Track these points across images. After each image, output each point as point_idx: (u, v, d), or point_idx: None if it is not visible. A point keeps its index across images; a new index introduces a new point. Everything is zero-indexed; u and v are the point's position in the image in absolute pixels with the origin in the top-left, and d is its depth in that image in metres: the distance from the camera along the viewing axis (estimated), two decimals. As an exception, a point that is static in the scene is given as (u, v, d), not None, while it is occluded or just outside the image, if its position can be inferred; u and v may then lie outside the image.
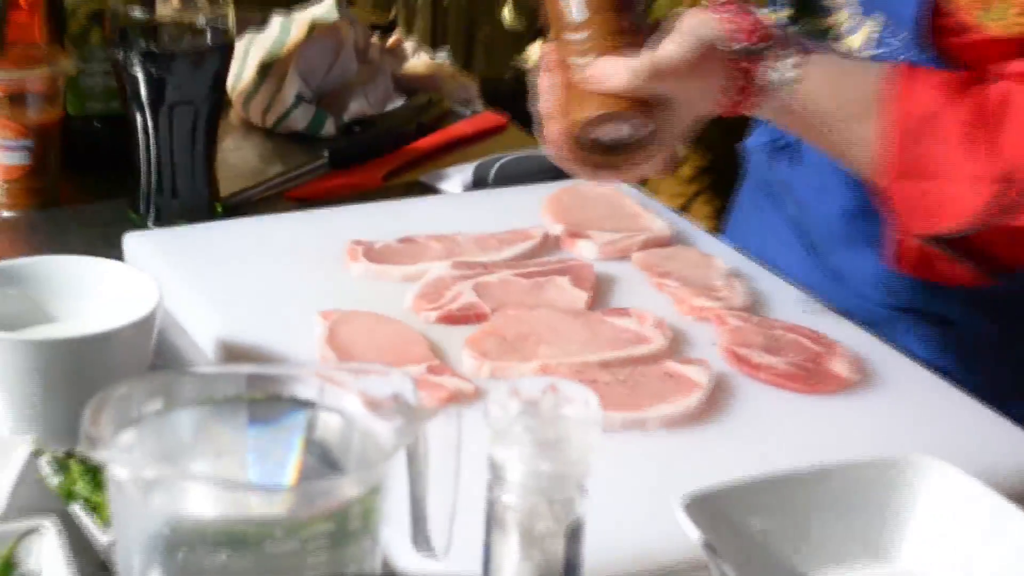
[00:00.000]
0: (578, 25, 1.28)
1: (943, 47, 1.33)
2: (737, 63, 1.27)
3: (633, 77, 1.24)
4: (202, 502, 0.85)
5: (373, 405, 0.91)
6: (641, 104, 1.26)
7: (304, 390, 0.93)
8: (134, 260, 1.46)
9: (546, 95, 1.30)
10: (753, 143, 1.61)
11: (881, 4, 1.39)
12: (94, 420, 0.85)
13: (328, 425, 0.92)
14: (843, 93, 1.30)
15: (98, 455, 0.83)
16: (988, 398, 1.34)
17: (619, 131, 1.29)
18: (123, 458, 0.84)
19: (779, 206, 1.59)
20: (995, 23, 1.29)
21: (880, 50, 1.41)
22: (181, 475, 0.86)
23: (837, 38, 1.44)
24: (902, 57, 1.37)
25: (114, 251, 1.48)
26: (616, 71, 1.25)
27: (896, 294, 1.47)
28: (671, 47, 1.26)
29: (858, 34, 1.43)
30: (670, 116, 1.28)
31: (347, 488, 0.86)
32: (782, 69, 1.28)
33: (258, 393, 0.93)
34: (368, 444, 0.91)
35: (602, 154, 1.30)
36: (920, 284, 1.45)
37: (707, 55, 1.27)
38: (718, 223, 3.68)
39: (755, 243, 1.60)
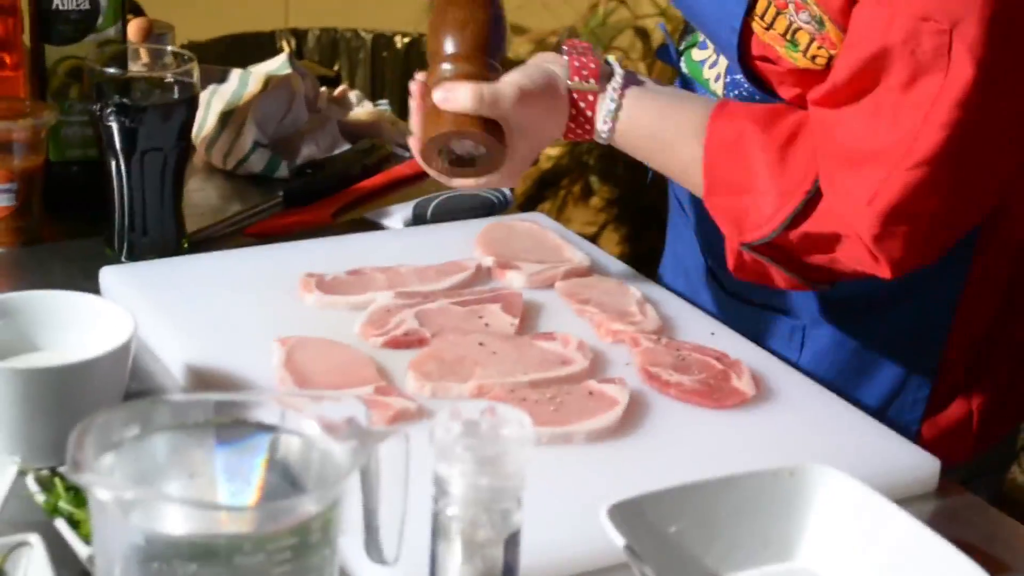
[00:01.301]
0: (447, 57, 1.33)
1: (766, 78, 1.34)
2: (583, 96, 1.33)
3: (476, 101, 1.29)
4: (176, 519, 0.83)
5: (330, 428, 0.89)
6: (483, 126, 1.30)
7: (267, 415, 0.91)
8: (110, 292, 1.43)
9: (413, 114, 1.36)
10: None
11: (713, 41, 1.40)
12: (78, 446, 0.83)
13: (289, 447, 0.91)
14: (668, 121, 1.34)
15: (82, 479, 0.81)
16: (842, 394, 1.35)
17: (464, 147, 1.33)
18: (105, 481, 0.82)
19: (684, 211, 1.60)
20: (798, 56, 1.29)
21: (732, 76, 1.41)
22: (158, 496, 0.84)
23: (713, 65, 1.46)
24: (747, 84, 1.38)
25: (91, 284, 1.45)
26: (462, 95, 1.29)
27: (746, 288, 1.45)
28: (515, 77, 1.32)
29: (719, 65, 1.44)
30: (514, 138, 1.32)
31: (308, 505, 0.84)
32: (608, 100, 1.33)
33: (225, 418, 0.91)
34: (326, 463, 0.89)
35: (456, 165, 1.35)
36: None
37: (551, 88, 1.33)
38: (626, 248, 3.70)
39: (671, 247, 1.62)
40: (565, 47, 1.36)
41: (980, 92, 1.17)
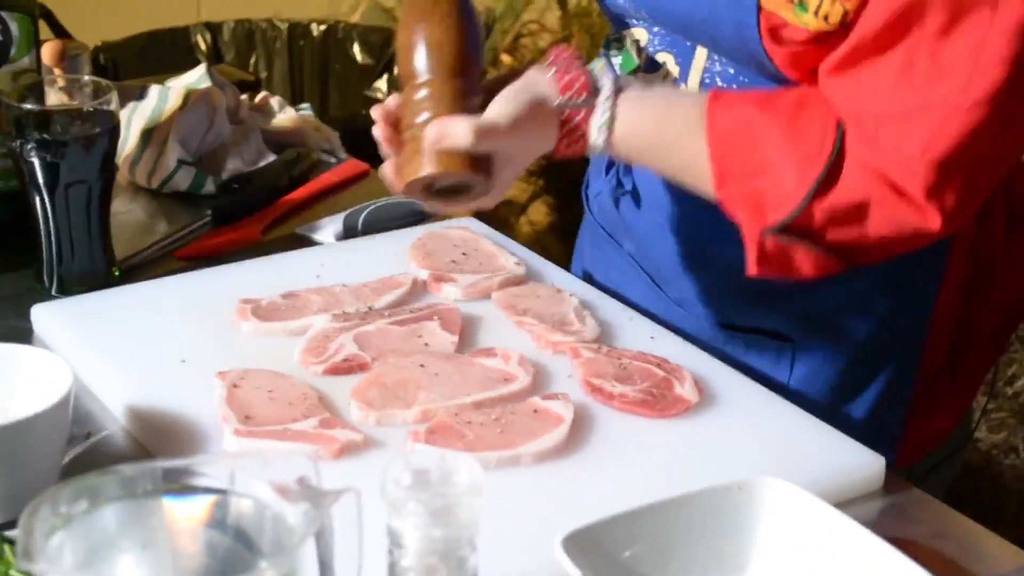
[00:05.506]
0: (421, 83, 1.27)
1: (770, 65, 1.30)
2: (570, 114, 1.28)
3: (468, 137, 1.23)
4: (133, 598, 0.83)
5: (281, 491, 0.89)
6: (471, 164, 1.25)
7: (216, 478, 0.91)
8: (44, 331, 1.42)
9: (384, 144, 1.29)
10: (595, 191, 1.60)
11: (703, 32, 1.34)
12: (27, 532, 0.82)
13: (241, 510, 0.90)
14: (663, 123, 1.30)
15: (35, 568, 0.80)
16: (831, 408, 1.40)
17: (448, 180, 1.27)
18: (58, 569, 0.81)
19: (618, 244, 1.57)
20: (808, 17, 1.24)
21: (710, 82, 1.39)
22: (112, 582, 0.83)
23: (678, 82, 1.41)
24: (731, 86, 1.36)
25: (23, 321, 1.44)
26: (453, 131, 1.24)
27: (732, 315, 1.46)
28: (503, 106, 1.26)
29: (684, 83, 1.41)
30: (502, 167, 1.28)
31: None
32: (600, 114, 1.28)
33: (174, 485, 0.90)
34: (279, 526, 0.89)
35: (440, 193, 1.30)
36: (755, 305, 1.43)
37: (537, 110, 1.27)
38: (555, 217, 3.70)
39: (600, 275, 1.60)
40: (550, 60, 1.31)
41: None
